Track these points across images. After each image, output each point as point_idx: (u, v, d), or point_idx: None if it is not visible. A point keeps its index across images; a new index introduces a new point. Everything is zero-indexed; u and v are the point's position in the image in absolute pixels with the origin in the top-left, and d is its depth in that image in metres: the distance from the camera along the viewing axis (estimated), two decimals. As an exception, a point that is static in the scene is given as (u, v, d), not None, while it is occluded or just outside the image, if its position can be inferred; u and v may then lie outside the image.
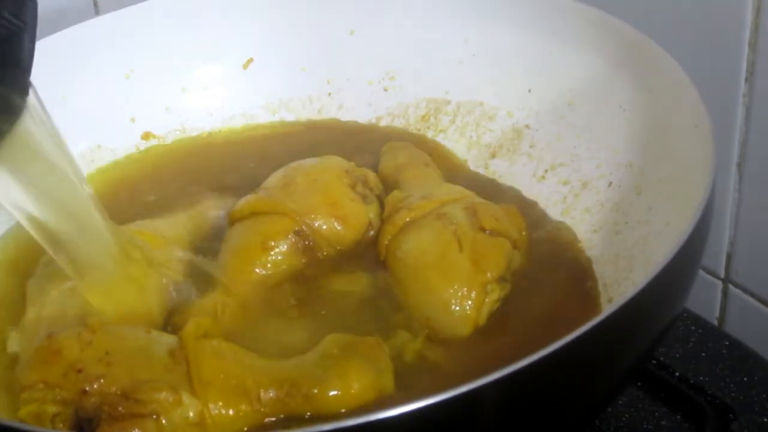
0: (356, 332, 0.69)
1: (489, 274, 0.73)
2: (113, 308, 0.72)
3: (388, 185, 0.85)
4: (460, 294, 0.72)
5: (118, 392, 0.62)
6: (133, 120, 0.96)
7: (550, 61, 0.90)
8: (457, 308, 0.72)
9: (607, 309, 0.56)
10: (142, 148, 0.96)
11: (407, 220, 0.78)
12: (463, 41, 0.95)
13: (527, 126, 0.92)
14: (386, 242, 0.78)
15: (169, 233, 0.80)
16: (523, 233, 0.79)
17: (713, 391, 0.80)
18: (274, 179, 0.83)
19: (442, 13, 0.96)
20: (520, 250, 0.78)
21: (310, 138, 0.96)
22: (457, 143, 0.95)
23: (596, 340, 0.55)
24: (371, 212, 0.81)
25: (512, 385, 0.52)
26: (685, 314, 0.86)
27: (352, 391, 0.65)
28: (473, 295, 0.72)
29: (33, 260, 0.78)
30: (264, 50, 0.99)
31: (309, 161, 0.85)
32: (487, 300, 0.73)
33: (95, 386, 0.62)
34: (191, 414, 0.62)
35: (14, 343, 0.71)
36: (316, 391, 0.65)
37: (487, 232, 0.76)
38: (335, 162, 0.85)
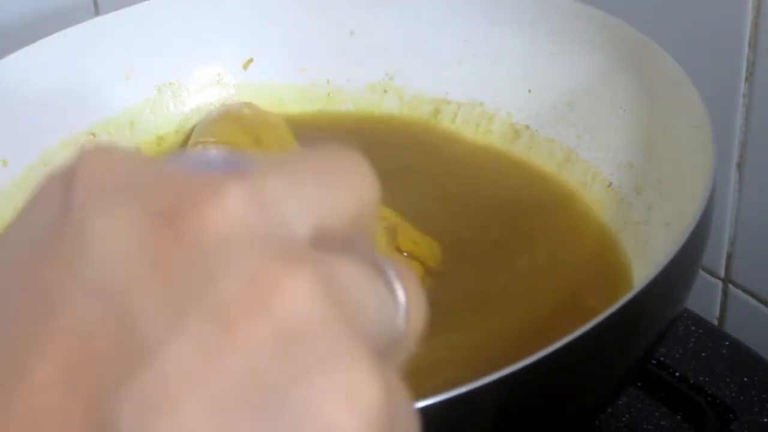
0: None
1: None
2: None
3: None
4: None
5: None
6: (132, 122, 0.96)
7: (550, 61, 0.90)
8: None
9: (606, 309, 0.56)
10: (141, 150, 0.95)
11: None
12: (463, 41, 0.95)
13: (527, 126, 0.92)
14: None
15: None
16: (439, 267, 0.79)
17: (713, 391, 0.80)
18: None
19: (441, 13, 0.95)
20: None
21: (309, 138, 0.96)
22: (457, 143, 0.95)
23: (596, 340, 0.55)
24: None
25: (512, 386, 0.52)
26: (685, 314, 0.86)
27: None
28: None
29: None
30: (264, 50, 0.99)
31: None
32: None
33: None
34: None
35: None
36: None
37: (405, 254, 0.77)
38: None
